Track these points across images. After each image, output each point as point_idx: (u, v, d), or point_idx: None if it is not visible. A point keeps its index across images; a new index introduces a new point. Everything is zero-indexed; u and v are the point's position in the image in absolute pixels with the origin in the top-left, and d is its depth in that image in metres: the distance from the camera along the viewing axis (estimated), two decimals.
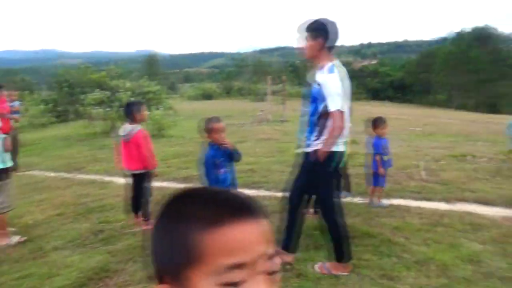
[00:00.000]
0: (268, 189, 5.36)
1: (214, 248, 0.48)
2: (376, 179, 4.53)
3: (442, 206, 4.43)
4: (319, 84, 2.72)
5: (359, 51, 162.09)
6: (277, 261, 0.52)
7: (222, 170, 3.12)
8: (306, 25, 2.80)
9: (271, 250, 0.52)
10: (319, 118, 2.77)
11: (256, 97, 32.74)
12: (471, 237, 3.50)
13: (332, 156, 2.78)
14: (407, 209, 4.31)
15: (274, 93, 18.37)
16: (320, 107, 2.74)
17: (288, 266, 2.99)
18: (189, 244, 0.49)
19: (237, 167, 6.50)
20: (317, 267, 3.03)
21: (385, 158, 4.49)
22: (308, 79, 2.97)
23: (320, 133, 2.78)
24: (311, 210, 4.28)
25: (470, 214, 4.10)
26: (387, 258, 3.16)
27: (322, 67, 2.76)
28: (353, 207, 4.47)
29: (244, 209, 0.51)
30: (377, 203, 4.48)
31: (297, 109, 3.37)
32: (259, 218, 0.52)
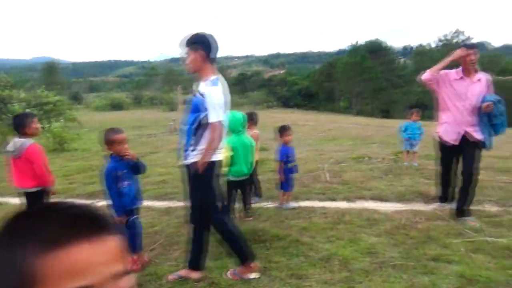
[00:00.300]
0: (180, 200, 5.23)
1: (55, 271, 0.44)
2: (283, 184, 4.71)
3: (344, 204, 4.77)
4: (202, 95, 2.74)
5: (268, 61, 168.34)
6: (130, 279, 0.49)
7: (125, 183, 2.98)
8: (185, 40, 2.83)
9: (122, 268, 0.49)
10: (198, 128, 2.78)
11: (167, 106, 31.97)
12: (369, 231, 3.81)
13: (213, 166, 2.82)
14: (313, 209, 4.55)
15: (185, 102, 18.15)
16: (200, 118, 2.75)
17: (196, 283, 2.95)
18: (26, 269, 0.44)
19: (149, 178, 6.34)
20: (228, 274, 3.03)
21: (289, 165, 4.67)
22: (194, 88, 2.99)
23: (197, 144, 2.79)
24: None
25: (367, 210, 4.48)
26: (296, 258, 3.29)
27: (206, 79, 2.79)
28: (263, 211, 4.59)
29: (91, 227, 0.48)
30: (286, 206, 4.66)
31: None
32: (107, 236, 0.49)
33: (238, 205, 4.46)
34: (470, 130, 3.97)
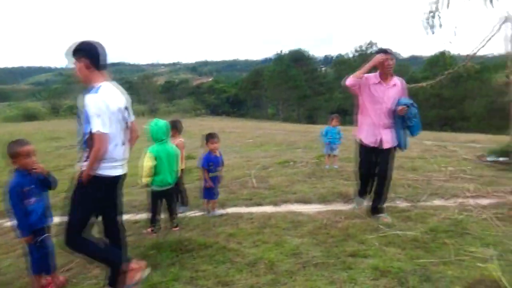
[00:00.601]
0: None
1: None
2: (207, 192, 4.67)
3: (270, 209, 4.87)
4: (85, 105, 2.63)
5: (196, 68, 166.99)
6: None
7: (32, 200, 2.74)
8: (70, 50, 2.73)
9: None
10: (88, 139, 2.64)
11: None
12: (293, 233, 3.93)
13: (97, 181, 2.66)
14: (240, 215, 4.59)
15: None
16: (89, 128, 2.62)
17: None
18: None
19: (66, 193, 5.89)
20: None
21: (211, 174, 4.63)
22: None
23: (89, 155, 2.65)
24: (148, 230, 4.15)
25: (292, 213, 4.62)
26: (222, 265, 3.28)
27: (91, 88, 2.68)
28: (190, 220, 4.52)
29: None
30: (212, 213, 4.63)
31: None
32: None
33: (163, 216, 4.33)
34: (386, 134, 4.19)
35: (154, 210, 4.15)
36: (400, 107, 4.06)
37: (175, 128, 4.67)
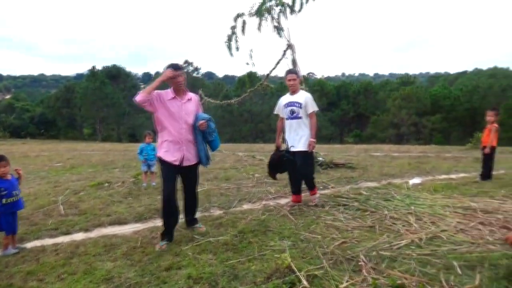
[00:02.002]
0: None
1: None
2: (6, 223, 3.95)
3: (80, 236, 4.44)
4: None
5: None
6: None
7: None
8: None
9: None
10: None
11: None
12: (105, 258, 3.67)
13: None
14: (43, 249, 4.02)
15: None
16: None
17: None
18: None
19: None
20: None
21: (4, 201, 3.96)
22: None
23: None
24: None
25: (105, 236, 4.32)
26: None
27: None
28: None
29: None
30: (4, 253, 3.92)
31: None
32: None
33: None
34: (188, 151, 4.09)
35: None
36: (200, 122, 4.06)
37: None
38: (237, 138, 41.85)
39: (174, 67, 4.00)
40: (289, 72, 5.40)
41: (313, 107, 5.17)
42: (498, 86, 44.00)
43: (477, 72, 64.68)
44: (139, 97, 3.85)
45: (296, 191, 5.36)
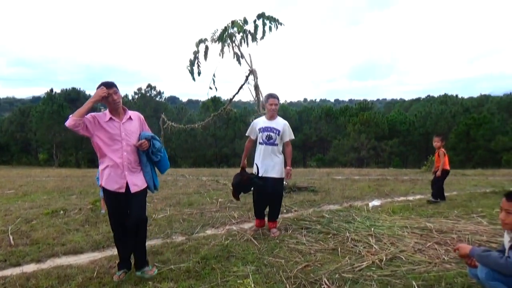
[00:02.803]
0: None
1: None
2: None
3: (31, 267, 4.16)
4: None
5: None
6: None
7: None
8: None
9: None
10: None
11: None
12: None
13: None
14: None
15: None
16: None
17: None
18: None
19: None
20: None
21: None
22: None
23: None
24: None
25: (59, 267, 4.07)
26: None
27: None
28: None
29: None
30: None
31: None
32: None
33: None
34: (133, 176, 3.66)
35: None
36: (139, 142, 3.64)
37: None
38: (201, 163, 41.42)
39: (106, 84, 3.56)
40: (270, 96, 5.22)
41: (290, 136, 5.18)
42: (448, 112, 46.75)
43: (430, 99, 68.45)
44: (69, 122, 3.38)
45: (260, 215, 5.32)
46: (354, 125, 45.47)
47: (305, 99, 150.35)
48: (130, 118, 3.73)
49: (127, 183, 3.62)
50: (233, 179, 5.30)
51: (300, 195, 8.46)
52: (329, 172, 16.24)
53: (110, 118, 3.61)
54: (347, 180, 12.43)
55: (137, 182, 3.69)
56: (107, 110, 3.66)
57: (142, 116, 3.91)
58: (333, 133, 50.09)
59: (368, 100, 58.19)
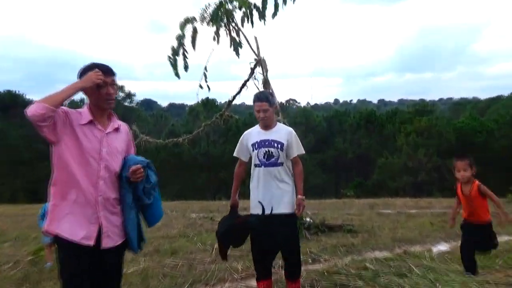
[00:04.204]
0: None
1: None
2: None
3: None
4: None
5: None
6: None
7: None
8: None
9: None
10: None
11: None
12: None
13: None
14: None
15: None
16: None
17: None
18: None
19: None
20: None
21: None
22: None
23: None
24: None
25: None
26: None
27: None
28: None
29: None
30: None
31: None
32: None
33: None
34: (109, 221, 3.21)
35: None
36: (133, 167, 3.22)
37: None
38: (189, 193, 41.48)
39: (103, 68, 3.21)
40: (257, 98, 4.83)
41: (298, 149, 4.80)
42: None
43: None
44: (36, 108, 2.86)
45: (267, 274, 4.88)
46: (407, 136, 45.37)
47: (336, 101, 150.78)
48: (117, 129, 3.37)
49: (99, 232, 3.13)
50: (218, 226, 4.99)
51: (331, 237, 8.39)
52: (373, 204, 16.15)
53: (90, 122, 3.19)
54: (400, 215, 12.32)
55: (115, 232, 3.23)
56: (86, 107, 3.27)
57: (131, 132, 3.61)
58: (377, 147, 49.97)
59: (427, 101, 58.30)
